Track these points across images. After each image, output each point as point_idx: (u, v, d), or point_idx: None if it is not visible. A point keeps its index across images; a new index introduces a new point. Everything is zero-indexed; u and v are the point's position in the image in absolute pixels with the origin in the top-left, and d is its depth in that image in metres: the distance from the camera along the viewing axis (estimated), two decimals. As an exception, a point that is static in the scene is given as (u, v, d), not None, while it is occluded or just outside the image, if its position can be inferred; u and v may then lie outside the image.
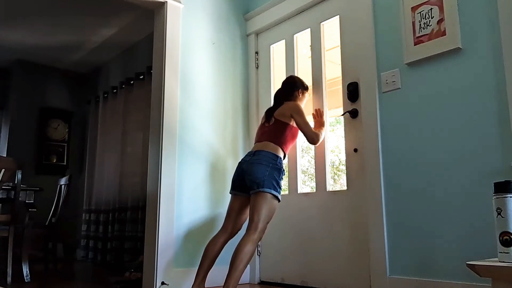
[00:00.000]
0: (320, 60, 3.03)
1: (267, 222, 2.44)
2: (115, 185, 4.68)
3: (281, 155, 2.57)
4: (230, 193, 2.64)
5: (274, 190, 2.43)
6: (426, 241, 2.27)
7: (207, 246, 2.51)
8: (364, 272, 2.56)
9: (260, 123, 2.83)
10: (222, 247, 2.53)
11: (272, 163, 2.48)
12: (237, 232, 2.59)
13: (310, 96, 2.96)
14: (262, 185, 2.41)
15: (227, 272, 2.28)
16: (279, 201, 2.48)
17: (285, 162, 2.67)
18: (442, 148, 2.26)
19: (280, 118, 2.64)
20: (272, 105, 2.82)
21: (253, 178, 2.43)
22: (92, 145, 5.42)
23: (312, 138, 2.63)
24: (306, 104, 2.92)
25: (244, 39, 3.59)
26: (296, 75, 3.13)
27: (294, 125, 2.64)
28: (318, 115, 2.88)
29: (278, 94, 2.85)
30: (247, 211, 2.56)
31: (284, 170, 2.55)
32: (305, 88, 2.85)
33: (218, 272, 2.67)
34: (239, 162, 2.60)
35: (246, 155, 2.61)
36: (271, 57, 3.44)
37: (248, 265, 3.22)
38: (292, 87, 2.81)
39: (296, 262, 2.97)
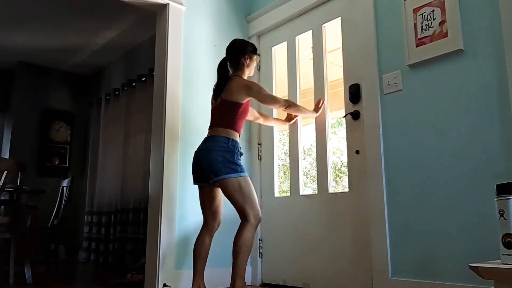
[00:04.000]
0: (321, 61, 3.03)
1: (253, 202, 2.38)
2: (117, 187, 4.69)
3: (234, 136, 2.47)
4: (194, 184, 2.56)
5: (233, 172, 2.35)
6: (429, 243, 2.26)
7: (195, 247, 2.48)
8: (366, 274, 2.55)
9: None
10: (209, 243, 2.50)
11: (224, 147, 2.40)
12: (219, 223, 2.55)
13: (258, 59, 2.70)
14: (219, 173, 2.35)
15: (226, 274, 2.27)
16: (246, 176, 2.40)
17: (286, 164, 2.65)
18: (444, 150, 2.26)
19: (228, 98, 2.48)
20: (217, 81, 2.60)
21: (209, 167, 2.37)
22: (94, 146, 5.43)
23: (284, 104, 2.61)
24: (306, 104, 2.89)
25: (246, 41, 3.59)
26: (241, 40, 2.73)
27: (244, 101, 2.50)
28: (317, 104, 2.90)
29: (222, 64, 2.61)
30: (217, 200, 2.52)
31: (239, 152, 2.46)
32: (253, 51, 2.62)
33: (219, 273, 2.66)
34: (195, 151, 2.52)
35: (201, 143, 2.53)
36: (273, 59, 3.44)
37: (250, 267, 3.22)
38: (236, 53, 2.58)
39: (298, 264, 2.96)
